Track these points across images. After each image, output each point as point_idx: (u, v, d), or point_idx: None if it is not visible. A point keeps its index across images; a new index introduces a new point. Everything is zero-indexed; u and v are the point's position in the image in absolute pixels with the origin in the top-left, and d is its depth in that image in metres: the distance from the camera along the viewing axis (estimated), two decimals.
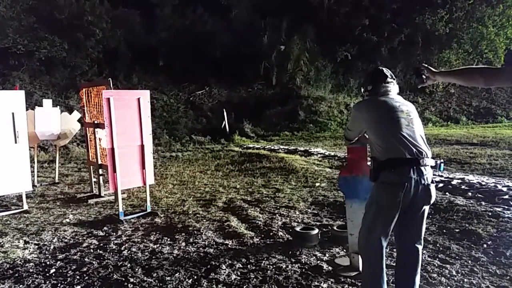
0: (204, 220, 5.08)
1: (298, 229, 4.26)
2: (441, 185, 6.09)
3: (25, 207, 5.79)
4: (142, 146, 5.50)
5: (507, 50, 18.63)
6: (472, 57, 19.48)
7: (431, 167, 2.61)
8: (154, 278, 3.45)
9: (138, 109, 5.43)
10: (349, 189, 3.38)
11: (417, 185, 2.52)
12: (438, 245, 3.96)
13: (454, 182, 6.22)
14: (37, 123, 7.38)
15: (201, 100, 17.44)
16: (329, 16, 19.19)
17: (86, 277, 3.51)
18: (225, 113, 15.38)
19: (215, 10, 18.82)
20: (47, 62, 15.38)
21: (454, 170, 7.62)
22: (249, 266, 3.64)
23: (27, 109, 6.23)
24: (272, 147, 11.88)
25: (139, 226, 4.97)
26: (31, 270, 3.69)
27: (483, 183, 6.08)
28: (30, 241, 4.47)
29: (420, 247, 2.68)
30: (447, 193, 5.71)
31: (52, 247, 4.29)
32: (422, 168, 2.54)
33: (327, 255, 3.85)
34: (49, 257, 4.01)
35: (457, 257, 3.66)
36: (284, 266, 3.60)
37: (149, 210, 5.52)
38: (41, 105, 7.72)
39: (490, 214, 4.70)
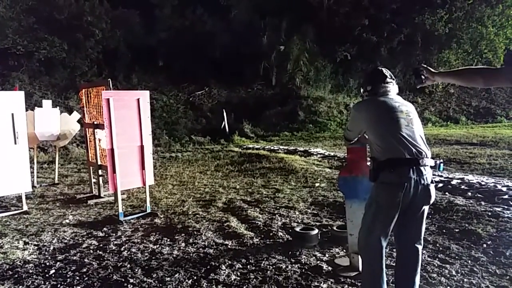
0: (204, 221, 5.08)
1: (298, 229, 4.26)
2: (440, 185, 6.09)
3: (25, 208, 5.78)
4: (142, 147, 5.50)
5: (507, 50, 18.64)
6: (472, 57, 19.49)
7: (431, 167, 2.61)
8: (154, 279, 3.45)
9: (137, 109, 5.43)
10: (349, 189, 3.38)
11: (417, 185, 2.52)
12: (438, 245, 3.96)
13: (454, 182, 6.22)
14: (36, 124, 7.38)
15: (201, 101, 17.44)
16: (329, 16, 19.19)
17: (86, 278, 3.50)
18: (224, 114, 15.38)
19: (215, 10, 18.82)
20: (47, 62, 15.38)
21: (454, 170, 7.62)
22: (249, 266, 3.64)
23: (26, 110, 6.23)
24: (272, 148, 11.88)
25: (139, 226, 4.97)
26: (30, 271, 3.69)
27: (483, 183, 6.08)
28: (30, 242, 4.46)
29: (420, 247, 2.68)
30: (446, 193, 5.72)
31: (51, 247, 4.29)
32: (422, 168, 2.54)
33: (327, 255, 3.85)
34: (49, 258, 4.01)
35: (457, 257, 3.66)
36: (284, 267, 3.60)
37: (148, 210, 5.52)
38: (40, 106, 7.72)
39: (489, 214, 4.70)
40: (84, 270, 3.68)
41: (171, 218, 5.25)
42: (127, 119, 5.33)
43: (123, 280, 3.45)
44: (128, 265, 3.76)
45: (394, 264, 2.98)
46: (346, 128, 3.10)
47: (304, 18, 18.69)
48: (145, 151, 5.52)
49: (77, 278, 3.51)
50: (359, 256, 3.13)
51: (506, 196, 5.30)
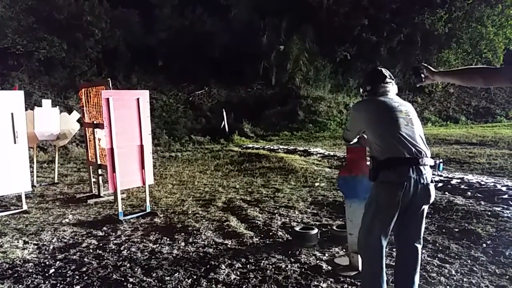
0: (204, 220, 5.08)
1: (297, 228, 4.27)
2: (440, 184, 6.09)
3: (25, 207, 5.78)
4: (142, 146, 5.50)
5: (506, 50, 18.65)
6: (471, 57, 19.50)
7: (430, 166, 2.61)
8: (154, 278, 3.45)
9: (137, 109, 5.43)
10: (348, 188, 3.38)
11: (416, 184, 2.52)
12: (437, 244, 3.96)
13: (454, 181, 6.22)
14: (36, 123, 7.38)
15: (201, 100, 17.44)
16: (328, 16, 19.19)
17: (86, 277, 3.50)
18: (224, 113, 15.38)
19: (214, 10, 18.82)
20: (46, 62, 15.37)
21: (454, 169, 7.63)
22: (248, 266, 3.64)
23: (26, 109, 6.24)
24: (272, 147, 11.88)
25: (139, 226, 4.97)
26: (30, 270, 3.69)
27: (483, 182, 6.08)
28: (30, 241, 4.46)
29: (419, 247, 2.68)
30: (446, 193, 5.72)
31: (51, 247, 4.29)
32: (421, 167, 2.54)
33: (326, 254, 3.85)
34: (49, 257, 4.01)
35: (456, 257, 3.66)
36: (283, 266, 3.60)
37: (148, 210, 5.51)
38: (40, 105, 7.71)
39: (489, 213, 4.70)
40: (84, 269, 3.68)
41: (170, 218, 5.25)
42: (126, 118, 5.33)
43: (123, 279, 3.45)
44: (128, 265, 3.76)
45: (393, 264, 2.98)
46: (345, 128, 3.09)
47: (303, 18, 18.70)
48: (144, 151, 5.52)
49: (77, 277, 3.51)
50: (359, 256, 3.13)
51: (505, 196, 5.30)
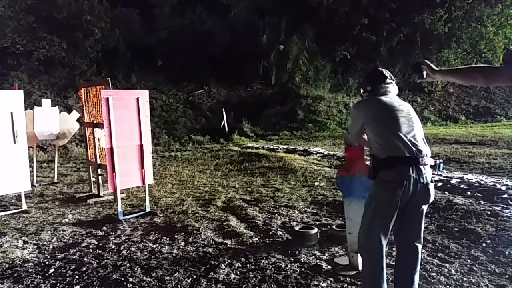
0: (203, 220, 5.08)
1: (297, 228, 4.27)
2: (440, 184, 6.09)
3: (24, 207, 5.78)
4: (141, 146, 5.49)
5: (506, 50, 18.64)
6: (471, 57, 19.50)
7: (431, 166, 2.61)
8: (153, 278, 3.45)
9: (137, 108, 5.42)
10: (347, 187, 3.39)
11: (416, 183, 2.52)
12: (437, 244, 3.97)
13: (453, 181, 6.23)
14: (36, 123, 7.37)
15: (200, 100, 17.43)
16: (328, 15, 19.18)
17: (85, 277, 3.50)
18: (224, 113, 15.38)
19: (214, 9, 18.81)
20: (46, 61, 15.36)
21: (453, 169, 7.63)
22: (248, 265, 3.64)
23: (26, 109, 6.24)
24: (271, 147, 11.88)
25: (138, 225, 4.97)
26: (30, 270, 3.69)
27: (482, 182, 6.09)
28: (29, 241, 4.46)
29: (419, 246, 2.68)
30: (446, 192, 5.72)
31: (51, 247, 4.29)
32: (421, 167, 2.54)
33: (326, 254, 3.85)
34: (48, 257, 4.01)
35: (456, 256, 3.66)
36: (283, 266, 3.60)
37: (148, 209, 5.51)
38: (40, 105, 7.71)
39: (489, 213, 4.71)
40: (84, 269, 3.68)
41: (170, 217, 5.25)
42: (126, 118, 5.33)
43: (123, 279, 3.45)
44: (128, 264, 3.76)
45: (393, 263, 2.98)
46: (347, 131, 3.08)
47: (303, 17, 18.69)
48: (144, 150, 5.52)
49: (77, 277, 3.51)
50: (359, 255, 3.13)
51: (505, 195, 5.30)
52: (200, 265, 3.69)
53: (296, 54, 18.60)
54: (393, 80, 2.86)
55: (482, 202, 5.18)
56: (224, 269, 3.57)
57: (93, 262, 3.84)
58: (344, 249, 3.89)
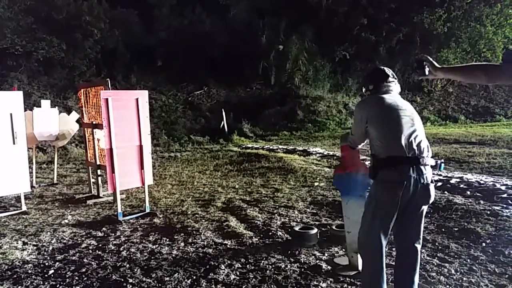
0: (203, 220, 5.08)
1: (297, 228, 4.27)
2: (439, 184, 6.09)
3: (24, 208, 5.78)
4: (141, 147, 5.49)
5: (505, 49, 18.64)
6: (470, 56, 19.50)
7: (431, 166, 2.61)
8: (153, 279, 3.44)
9: (136, 109, 5.42)
10: (344, 186, 3.40)
11: (416, 184, 2.52)
12: (437, 244, 3.97)
13: (453, 181, 6.23)
14: (35, 124, 7.37)
15: (200, 100, 17.43)
16: (328, 15, 19.19)
17: (85, 278, 3.50)
18: (223, 113, 15.38)
19: (214, 10, 18.82)
20: (45, 62, 15.36)
21: (453, 169, 7.63)
22: (248, 266, 3.64)
23: (25, 110, 6.23)
24: (271, 147, 11.88)
25: (138, 226, 4.97)
26: (29, 271, 3.69)
27: (482, 182, 6.09)
28: (29, 242, 4.46)
29: (419, 246, 2.68)
30: (445, 192, 5.72)
31: (50, 248, 4.28)
32: (422, 167, 2.54)
33: (326, 254, 3.85)
34: (48, 258, 4.00)
35: (456, 256, 3.66)
36: (283, 266, 3.60)
37: (148, 210, 5.51)
38: (39, 106, 7.70)
39: (488, 212, 4.71)
40: (83, 270, 3.67)
41: (170, 218, 5.25)
42: (126, 119, 5.33)
43: (122, 280, 3.45)
44: (127, 265, 3.75)
45: (393, 263, 2.98)
46: (350, 134, 3.02)
47: (302, 17, 18.70)
48: (144, 151, 5.51)
49: (76, 278, 3.51)
50: (359, 255, 3.13)
51: (505, 195, 5.30)
52: (200, 265, 3.68)
53: (296, 54, 18.61)
54: (395, 79, 2.84)
55: (481, 201, 5.18)
56: (224, 269, 3.57)
57: (92, 263, 3.83)
58: (343, 249, 3.88)
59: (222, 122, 15.26)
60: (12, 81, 14.04)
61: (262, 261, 3.72)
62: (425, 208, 2.66)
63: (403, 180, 2.50)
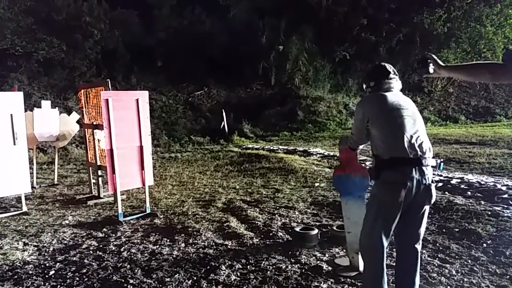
0: (204, 221, 5.08)
1: (297, 229, 4.26)
2: (440, 184, 6.09)
3: (24, 208, 5.78)
4: (141, 147, 5.49)
5: (505, 49, 18.63)
6: (471, 56, 19.49)
7: (432, 166, 2.60)
8: (154, 279, 3.44)
9: (136, 110, 5.42)
10: (343, 186, 3.41)
11: (419, 185, 2.51)
12: (437, 244, 3.96)
13: (454, 181, 6.23)
14: (35, 125, 7.37)
15: (200, 101, 17.44)
16: (328, 16, 19.20)
17: (86, 279, 3.50)
18: (224, 114, 15.38)
19: (214, 10, 18.82)
20: (46, 63, 15.36)
21: (453, 169, 7.63)
22: (248, 266, 3.64)
23: (25, 111, 6.23)
24: (271, 148, 11.88)
25: (139, 227, 4.96)
26: (30, 272, 3.68)
27: (482, 182, 6.08)
28: (29, 243, 4.46)
29: (419, 247, 2.67)
30: (446, 193, 5.72)
31: (51, 248, 4.28)
32: (424, 168, 2.53)
33: (326, 255, 3.85)
34: (49, 258, 4.00)
35: (456, 257, 3.66)
36: (283, 267, 3.60)
37: (148, 211, 5.51)
38: (39, 107, 7.71)
39: (489, 213, 4.70)
40: (84, 270, 3.67)
41: (170, 219, 5.25)
42: (126, 119, 5.32)
43: (123, 280, 3.44)
44: (128, 266, 3.75)
45: (393, 264, 2.98)
46: (350, 134, 3.00)
47: (303, 18, 18.70)
48: (144, 152, 5.51)
49: (77, 279, 3.51)
50: (359, 256, 3.13)
51: (505, 195, 5.30)
52: (200, 266, 3.68)
53: (296, 54, 18.61)
54: (396, 75, 2.80)
55: (482, 202, 5.18)
56: (225, 270, 3.57)
57: (93, 263, 3.83)
58: (344, 250, 3.88)
59: (223, 123, 15.26)
60: (13, 81, 14.04)
61: (263, 262, 3.71)
62: (427, 208, 2.65)
63: (406, 181, 2.49)
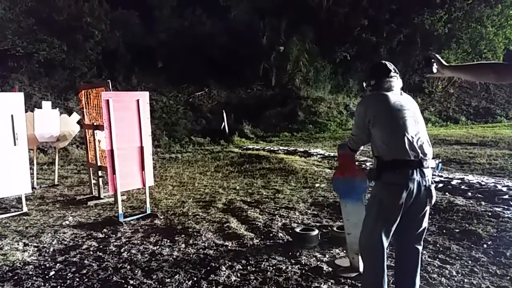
0: (204, 222, 5.08)
1: (298, 230, 4.26)
2: (441, 185, 6.09)
3: (25, 209, 5.78)
4: (142, 148, 5.49)
5: (506, 50, 18.64)
6: (471, 57, 19.48)
7: (431, 167, 2.60)
8: (154, 280, 3.44)
9: (137, 110, 5.42)
10: (343, 189, 3.41)
11: (420, 186, 2.51)
12: (438, 245, 3.96)
13: (454, 182, 6.22)
14: (36, 125, 7.37)
15: (201, 101, 17.44)
16: (328, 16, 19.20)
17: (86, 279, 3.50)
18: (224, 114, 15.38)
19: (214, 11, 18.83)
20: (46, 64, 15.37)
21: (454, 170, 7.62)
22: (249, 267, 3.64)
23: (26, 111, 6.24)
24: (272, 148, 11.88)
25: (139, 228, 4.96)
26: (30, 273, 3.68)
27: (483, 183, 6.08)
28: (30, 244, 4.46)
29: (420, 248, 2.67)
30: (447, 193, 5.71)
31: (51, 249, 4.28)
32: (425, 169, 2.53)
33: (327, 256, 3.84)
34: (49, 259, 4.00)
35: (457, 257, 3.66)
36: (284, 267, 3.59)
37: (148, 211, 5.51)
38: (40, 107, 7.72)
39: (490, 214, 4.70)
40: (84, 271, 3.67)
41: (171, 219, 5.25)
42: (126, 120, 5.33)
43: (123, 281, 3.44)
44: (128, 266, 3.75)
45: (394, 265, 2.97)
46: (350, 136, 2.97)
47: (303, 18, 18.70)
48: (145, 152, 5.51)
49: (77, 279, 3.51)
50: (360, 257, 3.12)
51: (506, 196, 5.30)
52: (200, 267, 3.68)
53: (296, 55, 18.62)
54: (397, 73, 2.78)
55: (483, 203, 5.17)
56: (225, 271, 3.56)
57: (93, 264, 3.83)
58: (344, 251, 3.88)
59: (223, 123, 15.26)
60: (13, 82, 14.05)
61: (263, 263, 3.71)
62: (428, 209, 2.65)
63: (407, 183, 2.49)
